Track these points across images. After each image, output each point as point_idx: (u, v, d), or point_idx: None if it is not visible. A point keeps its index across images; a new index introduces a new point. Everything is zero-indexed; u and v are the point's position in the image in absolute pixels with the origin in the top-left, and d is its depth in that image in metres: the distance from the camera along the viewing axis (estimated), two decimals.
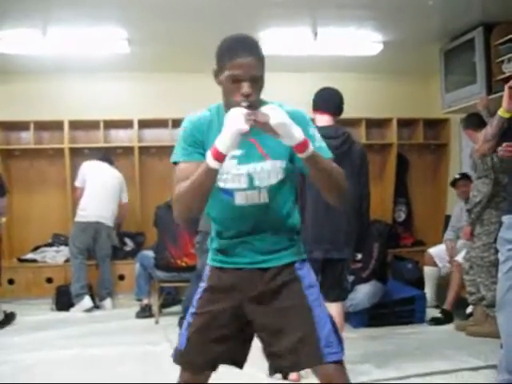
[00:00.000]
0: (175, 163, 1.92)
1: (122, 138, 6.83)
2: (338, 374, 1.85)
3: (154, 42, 5.61)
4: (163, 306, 5.45)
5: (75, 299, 5.57)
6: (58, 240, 6.45)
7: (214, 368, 2.04)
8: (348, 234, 3.35)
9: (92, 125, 6.56)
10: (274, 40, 5.51)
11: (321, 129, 3.28)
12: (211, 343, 1.97)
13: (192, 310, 2.02)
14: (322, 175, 1.85)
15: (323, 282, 3.36)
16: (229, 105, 1.82)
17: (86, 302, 5.56)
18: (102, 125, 6.51)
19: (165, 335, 4.58)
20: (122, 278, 6.26)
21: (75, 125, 6.57)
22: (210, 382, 2.07)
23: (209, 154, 1.73)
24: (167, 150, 6.59)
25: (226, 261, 1.99)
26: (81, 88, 6.62)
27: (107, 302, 5.75)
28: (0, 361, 3.79)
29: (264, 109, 1.71)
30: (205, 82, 6.49)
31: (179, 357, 2.01)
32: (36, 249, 6.45)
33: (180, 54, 6.03)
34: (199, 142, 1.89)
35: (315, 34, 5.33)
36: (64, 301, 5.64)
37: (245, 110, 1.71)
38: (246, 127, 1.68)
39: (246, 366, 2.10)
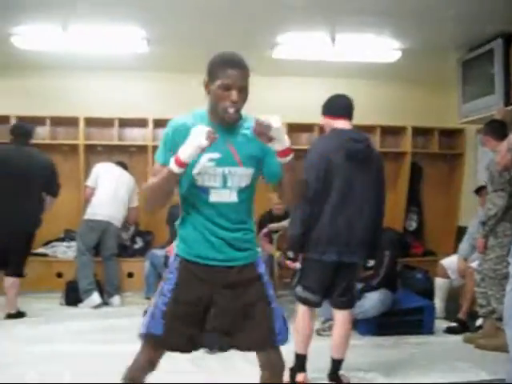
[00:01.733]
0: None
1: (136, 136, 6.86)
2: (280, 357, 2.29)
3: (172, 42, 5.63)
4: None
5: (83, 295, 5.59)
6: (70, 235, 6.49)
7: (193, 349, 2.27)
8: (363, 238, 3.29)
9: (107, 122, 6.59)
10: (291, 44, 5.52)
11: (347, 132, 3.31)
12: (190, 327, 2.19)
13: (165, 299, 2.19)
14: (293, 180, 2.19)
15: (332, 288, 3.36)
16: (216, 111, 2.12)
17: (95, 298, 5.59)
18: (116, 123, 6.54)
19: None
20: (130, 275, 6.29)
21: (90, 122, 6.60)
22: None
23: (172, 161, 2.03)
24: None
25: (199, 255, 2.20)
26: (98, 85, 6.66)
27: (115, 299, 5.77)
28: (9, 352, 3.80)
29: (263, 117, 1.99)
30: None
31: (157, 341, 2.22)
32: (47, 243, 6.50)
33: (198, 54, 6.00)
34: (179, 146, 2.05)
35: (333, 40, 5.32)
36: (73, 296, 5.66)
37: (207, 128, 2.00)
38: (205, 143, 1.99)
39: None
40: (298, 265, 3.34)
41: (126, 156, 6.60)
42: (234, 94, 2.06)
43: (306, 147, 6.22)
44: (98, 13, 4.79)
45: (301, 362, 3.41)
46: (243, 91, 2.10)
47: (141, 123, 6.62)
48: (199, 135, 1.99)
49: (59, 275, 6.22)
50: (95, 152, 6.70)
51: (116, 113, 6.52)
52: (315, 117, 6.47)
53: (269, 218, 5.73)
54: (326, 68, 6.28)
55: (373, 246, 3.37)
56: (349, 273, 3.35)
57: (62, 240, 6.55)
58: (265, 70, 6.37)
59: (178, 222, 2.29)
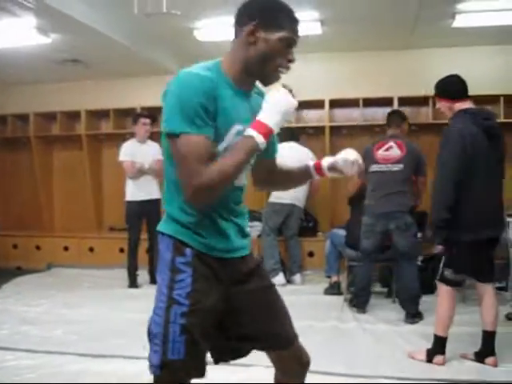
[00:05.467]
0: (174, 134, 1.59)
1: (312, 118, 6.95)
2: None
3: (345, 22, 5.61)
4: (352, 284, 5.48)
5: (270, 274, 5.78)
6: (252, 216, 6.77)
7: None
8: (500, 213, 3.41)
9: None
10: (472, 12, 5.24)
11: (478, 111, 3.36)
12: (213, 340, 1.76)
13: (182, 308, 1.66)
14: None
15: (482, 265, 3.37)
16: (260, 67, 1.69)
17: (280, 278, 5.75)
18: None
19: (353, 313, 4.63)
20: (311, 254, 6.43)
21: None
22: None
23: (255, 133, 1.62)
24: (358, 130, 6.68)
25: (215, 247, 1.74)
26: None
27: (297, 277, 5.94)
28: None
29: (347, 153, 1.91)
30: (397, 60, 6.49)
31: (179, 369, 1.67)
32: None
33: (372, 32, 5.96)
34: (209, 111, 1.60)
35: None
36: None
37: (285, 90, 1.68)
38: (296, 104, 1.69)
39: None
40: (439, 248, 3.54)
41: (303, 138, 6.70)
42: (293, 53, 1.71)
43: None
44: None
45: (440, 343, 3.36)
46: None
47: (317, 104, 6.68)
48: (289, 97, 1.67)
49: None
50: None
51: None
52: (500, 88, 6.11)
53: None
54: (510, 34, 5.87)
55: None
56: (492, 248, 3.42)
57: None
58: (444, 41, 6.13)
59: (171, 202, 1.75)
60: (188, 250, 1.69)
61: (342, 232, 5.31)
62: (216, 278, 1.73)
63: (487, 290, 3.35)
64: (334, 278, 5.44)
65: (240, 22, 1.69)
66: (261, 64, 1.68)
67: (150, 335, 1.70)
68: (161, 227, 1.76)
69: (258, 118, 1.65)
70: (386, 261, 4.99)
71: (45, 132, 7.65)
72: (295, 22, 1.70)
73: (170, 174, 1.71)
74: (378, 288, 5.54)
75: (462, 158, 3.19)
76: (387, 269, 5.20)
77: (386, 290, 5.33)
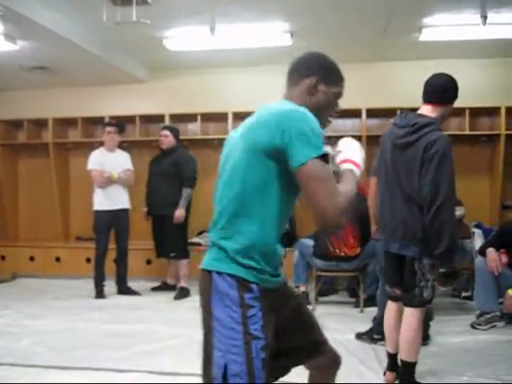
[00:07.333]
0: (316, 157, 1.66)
1: None
2: None
3: (315, 33, 5.65)
4: (320, 294, 5.52)
5: None
6: None
7: None
8: (414, 231, 2.89)
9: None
10: (439, 26, 5.34)
11: (398, 118, 3.20)
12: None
13: (262, 342, 1.71)
14: None
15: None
16: (316, 114, 1.79)
17: None
18: None
19: (321, 323, 4.64)
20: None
21: (239, 116, 6.83)
22: None
23: (355, 168, 1.85)
24: (327, 140, 6.71)
25: (274, 281, 1.84)
26: (244, 81, 6.88)
27: None
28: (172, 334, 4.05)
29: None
30: (365, 72, 6.57)
31: None
32: (201, 233, 6.86)
33: (341, 45, 6.01)
34: None
35: (484, 18, 5.05)
36: None
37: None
38: None
39: None
40: None
41: None
42: (339, 105, 1.98)
43: (456, 132, 6.06)
44: (244, 9, 4.94)
45: (389, 359, 3.23)
46: None
47: None
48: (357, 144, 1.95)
49: None
50: None
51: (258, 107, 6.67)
52: (465, 100, 6.22)
53: None
54: (474, 48, 6.04)
55: (434, 236, 2.83)
56: (408, 266, 2.96)
57: None
58: (411, 53, 6.23)
59: (238, 244, 1.76)
60: (254, 286, 1.74)
61: (310, 242, 5.33)
62: (272, 309, 1.79)
63: (406, 313, 3.00)
64: (303, 288, 5.45)
65: (299, 74, 1.94)
66: (318, 112, 1.85)
67: (229, 375, 1.67)
68: (218, 267, 1.77)
69: (350, 158, 1.87)
70: (353, 271, 5.05)
71: (11, 140, 7.54)
72: (344, 79, 1.97)
73: (254, 208, 1.74)
74: (345, 298, 5.59)
75: (377, 164, 3.27)
76: (355, 278, 5.24)
77: (353, 300, 5.37)
